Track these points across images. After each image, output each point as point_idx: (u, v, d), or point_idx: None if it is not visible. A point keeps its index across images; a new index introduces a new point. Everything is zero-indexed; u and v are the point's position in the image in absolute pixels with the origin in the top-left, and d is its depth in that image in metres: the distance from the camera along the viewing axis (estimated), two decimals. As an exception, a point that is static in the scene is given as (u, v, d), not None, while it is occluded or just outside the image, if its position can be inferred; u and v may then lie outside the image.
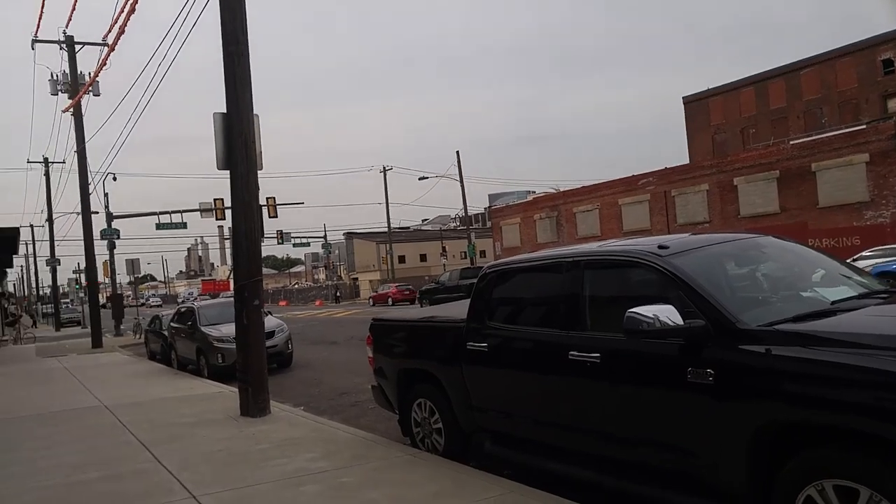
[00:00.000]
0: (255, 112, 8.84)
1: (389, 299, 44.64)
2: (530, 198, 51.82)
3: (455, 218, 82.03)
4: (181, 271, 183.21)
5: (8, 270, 44.67)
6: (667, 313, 3.93)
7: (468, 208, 48.32)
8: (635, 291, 4.59)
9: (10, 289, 67.91)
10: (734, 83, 57.15)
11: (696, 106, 60.29)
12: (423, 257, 74.61)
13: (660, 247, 4.48)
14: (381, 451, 6.30)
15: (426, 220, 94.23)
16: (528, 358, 5.16)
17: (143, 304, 35.78)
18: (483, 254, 60.75)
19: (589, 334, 4.61)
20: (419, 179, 48.72)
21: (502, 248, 47.37)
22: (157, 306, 77.38)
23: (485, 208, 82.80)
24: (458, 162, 44.78)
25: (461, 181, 44.90)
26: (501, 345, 5.39)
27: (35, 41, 24.27)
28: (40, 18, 34.24)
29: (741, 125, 56.31)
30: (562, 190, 46.57)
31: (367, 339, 7.24)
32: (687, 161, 49.25)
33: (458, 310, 6.53)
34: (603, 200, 40.92)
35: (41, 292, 70.30)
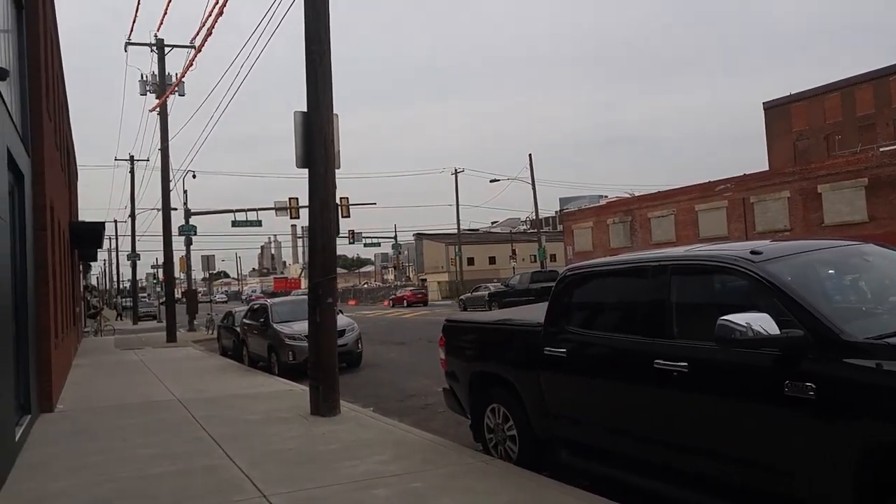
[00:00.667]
0: (334, 111, 8.87)
1: (405, 301, 51.45)
2: (603, 202, 50.85)
3: (525, 221, 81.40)
4: (254, 269, 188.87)
5: (91, 264, 46.93)
6: (761, 322, 3.71)
7: (539, 211, 47.70)
8: (726, 299, 4.45)
9: (93, 282, 71.55)
10: (818, 88, 55.11)
11: (778, 111, 58.22)
12: (491, 259, 74.30)
13: (752, 252, 4.24)
14: (452, 456, 6.10)
15: (496, 222, 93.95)
16: (609, 365, 4.90)
17: (210, 301, 37.01)
18: (553, 257, 60.00)
19: (676, 342, 4.39)
20: (490, 182, 48.43)
21: (574, 251, 46.60)
22: (223, 302, 79.86)
23: (556, 211, 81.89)
24: (531, 164, 44.33)
25: (533, 184, 44.42)
26: (581, 351, 5.13)
27: (128, 44, 25.39)
28: (133, 23, 35.95)
29: (825, 131, 54.01)
30: (636, 195, 45.47)
31: (439, 340, 7.05)
32: (766, 167, 47.38)
33: (533, 313, 6.30)
34: (679, 206, 39.76)
35: (121, 286, 73.68)
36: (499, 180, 48.42)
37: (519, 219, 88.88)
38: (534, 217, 52.61)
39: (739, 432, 3.97)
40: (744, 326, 3.70)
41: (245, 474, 5.78)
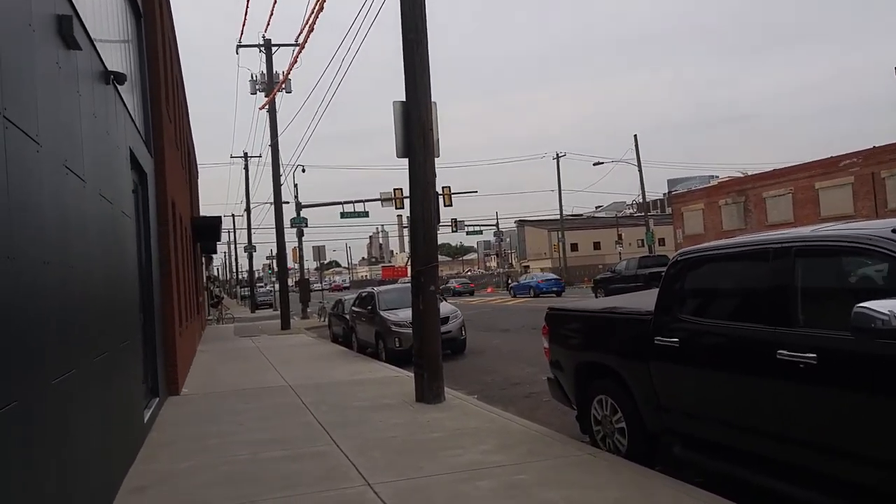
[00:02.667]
0: (432, 100, 8.88)
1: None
2: (715, 182, 48.39)
3: (632, 204, 79.00)
4: (363, 258, 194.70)
5: (213, 256, 49.83)
6: None
7: (646, 194, 46.02)
8: (861, 283, 4.05)
9: (215, 273, 76.00)
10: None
11: (915, 74, 52.75)
12: (596, 245, 72.67)
13: (894, 231, 3.78)
14: (558, 448, 5.94)
15: (600, 206, 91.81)
16: (726, 356, 4.56)
17: (322, 289, 38.72)
18: (662, 242, 57.85)
19: (802, 331, 4.02)
20: (594, 165, 47.18)
21: (683, 235, 44.69)
22: (342, 289, 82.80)
23: (664, 194, 78.88)
24: (636, 146, 42.80)
25: (639, 166, 42.87)
26: (695, 340, 4.82)
27: (239, 46, 26.68)
28: (243, 26, 37.78)
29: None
30: (749, 174, 42.94)
31: (542, 329, 6.88)
32: (899, 138, 43.22)
33: (642, 300, 6.01)
34: (797, 184, 37.15)
35: (239, 276, 77.86)
36: (603, 163, 47.17)
37: (624, 202, 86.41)
38: (640, 200, 50.86)
39: (878, 432, 3.59)
40: (886, 315, 3.34)
41: (351, 461, 5.88)
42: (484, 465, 5.53)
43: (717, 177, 58.08)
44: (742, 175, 44.45)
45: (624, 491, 4.71)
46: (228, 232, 65.57)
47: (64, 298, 3.95)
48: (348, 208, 39.19)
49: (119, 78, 6.22)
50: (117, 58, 7.24)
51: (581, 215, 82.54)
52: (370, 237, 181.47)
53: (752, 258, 4.56)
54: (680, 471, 5.09)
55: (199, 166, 33.23)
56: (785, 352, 4.01)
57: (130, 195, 7.64)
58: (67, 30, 4.36)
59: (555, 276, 44.65)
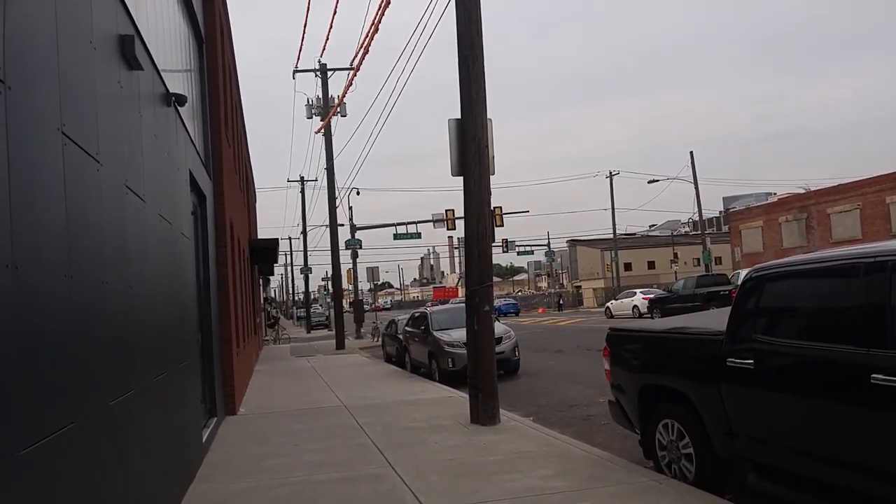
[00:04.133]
0: (488, 116, 8.80)
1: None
2: (774, 198, 46.87)
3: (687, 223, 77.19)
4: (415, 279, 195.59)
5: (270, 278, 50.77)
6: None
7: (702, 212, 44.84)
8: None
9: (272, 294, 77.42)
10: None
11: None
12: (650, 264, 71.03)
13: None
14: (620, 473, 5.67)
15: (654, 225, 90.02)
16: (809, 380, 4.25)
17: (375, 310, 39.28)
18: (718, 260, 56.25)
19: None
20: (648, 183, 46.26)
21: (742, 253, 43.38)
22: (386, 310, 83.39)
23: (720, 212, 76.81)
24: (692, 162, 41.84)
25: (695, 183, 41.86)
26: (773, 362, 4.52)
27: (296, 71, 27.36)
28: (300, 52, 38.78)
29: None
30: (811, 189, 41.42)
31: (603, 350, 6.64)
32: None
33: (709, 320, 5.73)
34: (865, 199, 35.61)
35: (295, 297, 79.13)
36: (657, 181, 46.21)
37: (679, 221, 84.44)
38: (696, 218, 49.60)
39: None
40: None
41: (406, 485, 5.74)
42: (543, 490, 5.32)
43: (774, 193, 56.23)
44: (804, 191, 42.92)
45: None
46: (285, 254, 66.87)
47: (122, 318, 3.95)
48: (401, 230, 39.42)
49: (180, 100, 6.33)
50: (179, 81, 7.39)
51: (635, 234, 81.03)
52: (422, 258, 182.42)
53: (840, 274, 4.24)
54: (753, 501, 4.78)
55: (256, 190, 34.03)
56: (880, 376, 3.68)
57: (189, 217, 7.76)
58: (129, 50, 4.40)
59: (512, 300, 58.99)
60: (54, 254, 2.91)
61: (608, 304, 40.85)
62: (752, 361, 4.60)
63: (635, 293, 37.89)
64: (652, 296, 34.21)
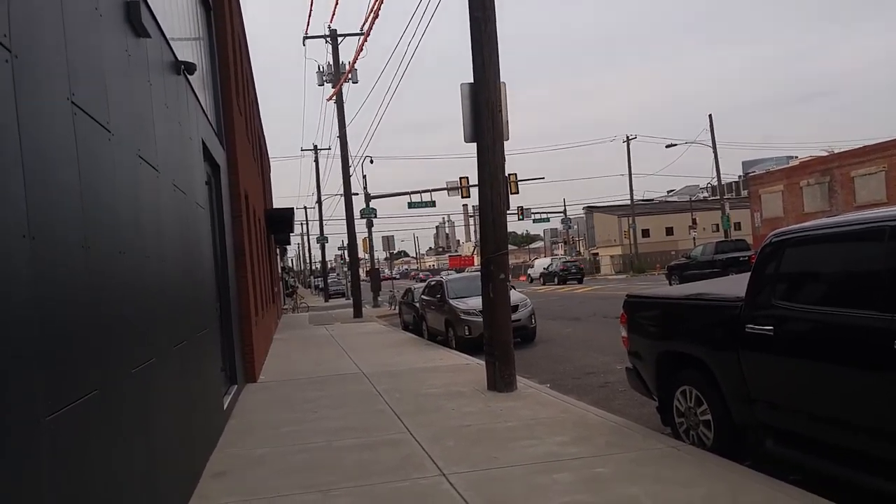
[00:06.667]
0: (501, 80, 8.66)
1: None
2: (795, 162, 46.08)
3: (705, 188, 76.27)
4: (430, 248, 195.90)
5: (287, 247, 51.11)
6: None
7: (721, 177, 44.26)
8: None
9: (290, 263, 78.00)
10: None
11: None
12: (668, 231, 70.48)
13: None
14: (637, 440, 5.68)
15: (672, 191, 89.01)
16: (829, 345, 4.21)
17: (392, 278, 39.76)
18: (738, 226, 55.66)
19: None
20: (666, 147, 45.66)
21: (762, 218, 42.79)
22: (398, 278, 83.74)
23: (738, 176, 75.78)
24: (711, 126, 41.19)
25: (714, 147, 41.26)
26: (792, 329, 4.46)
27: (305, 38, 27.13)
28: (309, 17, 38.30)
29: None
30: (835, 152, 40.62)
31: (620, 317, 6.61)
32: None
33: (728, 286, 5.67)
34: (891, 161, 34.84)
35: (312, 266, 79.64)
36: (675, 145, 45.60)
37: (697, 186, 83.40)
38: (714, 184, 48.97)
39: None
40: None
41: (425, 451, 5.80)
42: (560, 457, 5.35)
43: (795, 157, 55.23)
44: (827, 153, 42.11)
45: (712, 486, 4.45)
46: (301, 224, 67.21)
47: (140, 288, 3.97)
48: (415, 198, 39.32)
49: (189, 68, 6.27)
50: (187, 49, 7.33)
51: (652, 200, 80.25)
52: (436, 227, 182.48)
53: (864, 238, 4.15)
54: (771, 467, 4.76)
55: (270, 160, 34.01)
56: None
57: (204, 186, 7.76)
58: (136, 16, 4.31)
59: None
60: (70, 224, 2.91)
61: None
62: (771, 327, 4.55)
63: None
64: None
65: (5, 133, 2.35)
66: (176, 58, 6.02)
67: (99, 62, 3.55)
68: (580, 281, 45.06)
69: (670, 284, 27.57)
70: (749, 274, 5.00)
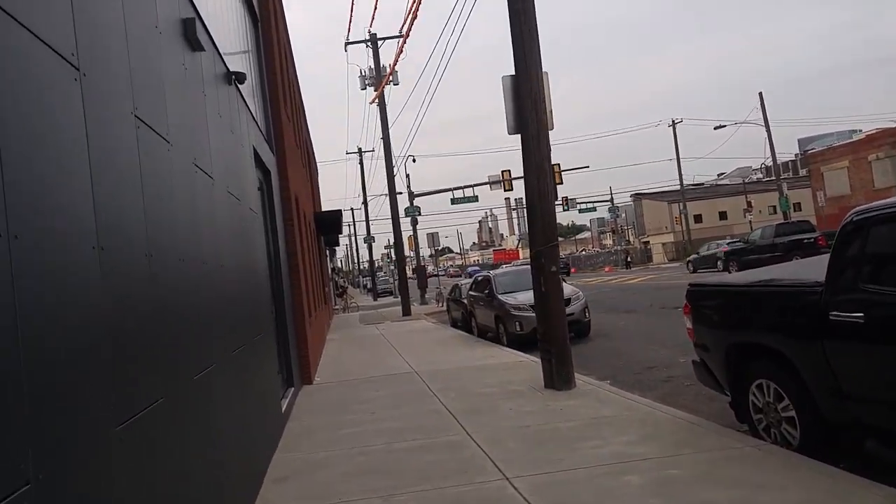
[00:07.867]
0: (543, 70, 8.49)
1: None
2: (861, 136, 44.07)
3: (760, 168, 73.98)
4: (474, 243, 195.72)
5: (336, 248, 51.72)
6: None
7: (775, 156, 42.78)
8: None
9: (339, 264, 78.92)
10: None
11: None
12: (722, 215, 68.50)
13: None
14: (712, 439, 5.41)
15: (722, 174, 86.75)
16: None
17: (437, 275, 39.93)
18: (797, 206, 53.79)
19: None
20: (714, 129, 44.46)
21: (825, 197, 41.00)
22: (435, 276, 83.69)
23: (795, 154, 73.31)
24: (762, 104, 39.82)
25: (766, 126, 39.86)
26: (887, 315, 4.10)
27: (347, 43, 27.35)
28: (350, 22, 38.63)
29: None
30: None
31: (683, 307, 6.34)
32: None
33: (801, 270, 5.35)
34: (967, 128, 32.86)
35: (360, 266, 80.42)
36: (724, 126, 44.31)
37: (750, 167, 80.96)
38: (769, 164, 47.37)
39: None
40: None
41: (485, 453, 5.66)
42: (629, 458, 5.14)
43: (859, 131, 52.96)
44: (896, 125, 40.04)
45: (805, 492, 4.06)
46: (348, 225, 67.88)
47: (199, 294, 3.97)
48: (458, 194, 39.21)
49: (240, 78, 6.32)
50: (237, 60, 7.39)
51: (703, 184, 78.18)
52: (479, 222, 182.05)
53: None
54: (872, 471, 4.34)
55: (317, 163, 34.35)
56: None
57: (256, 192, 7.80)
58: (191, 32, 4.47)
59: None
60: (134, 234, 2.94)
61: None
62: (861, 314, 4.21)
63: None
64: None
65: (76, 148, 2.42)
66: (228, 69, 6.07)
67: (158, 76, 3.64)
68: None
69: (728, 272, 26.76)
70: (823, 257, 4.68)
